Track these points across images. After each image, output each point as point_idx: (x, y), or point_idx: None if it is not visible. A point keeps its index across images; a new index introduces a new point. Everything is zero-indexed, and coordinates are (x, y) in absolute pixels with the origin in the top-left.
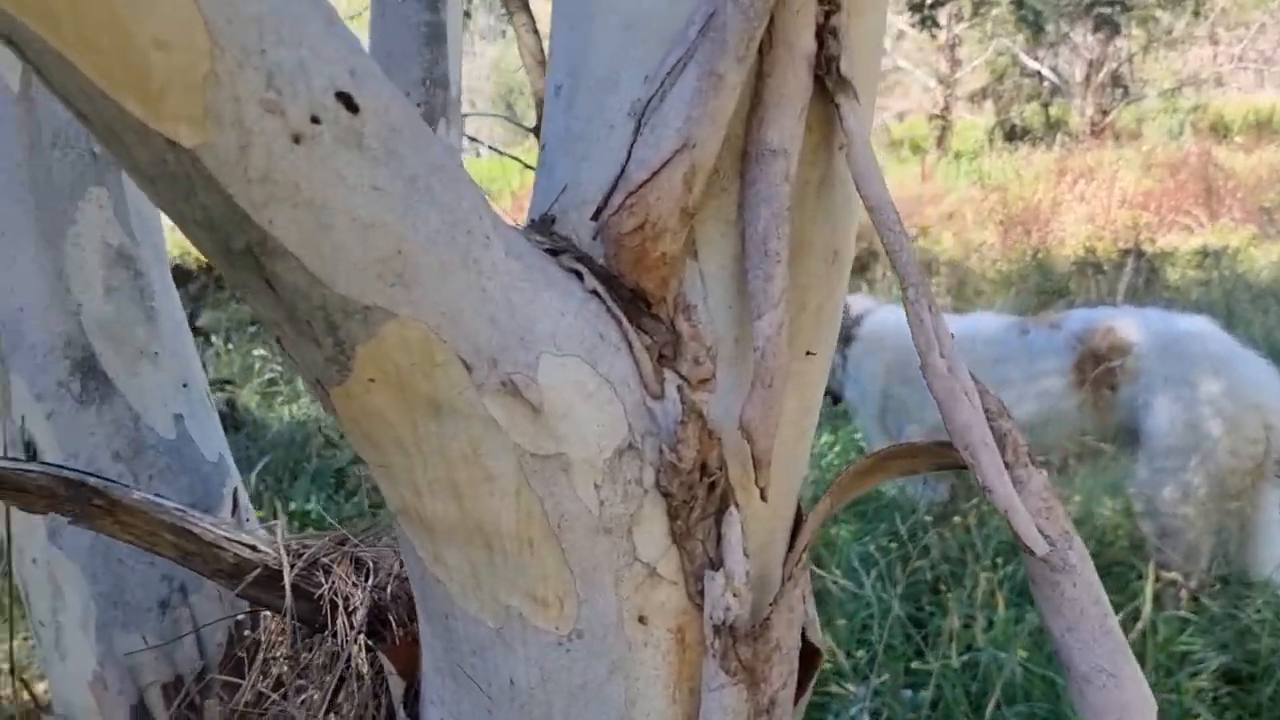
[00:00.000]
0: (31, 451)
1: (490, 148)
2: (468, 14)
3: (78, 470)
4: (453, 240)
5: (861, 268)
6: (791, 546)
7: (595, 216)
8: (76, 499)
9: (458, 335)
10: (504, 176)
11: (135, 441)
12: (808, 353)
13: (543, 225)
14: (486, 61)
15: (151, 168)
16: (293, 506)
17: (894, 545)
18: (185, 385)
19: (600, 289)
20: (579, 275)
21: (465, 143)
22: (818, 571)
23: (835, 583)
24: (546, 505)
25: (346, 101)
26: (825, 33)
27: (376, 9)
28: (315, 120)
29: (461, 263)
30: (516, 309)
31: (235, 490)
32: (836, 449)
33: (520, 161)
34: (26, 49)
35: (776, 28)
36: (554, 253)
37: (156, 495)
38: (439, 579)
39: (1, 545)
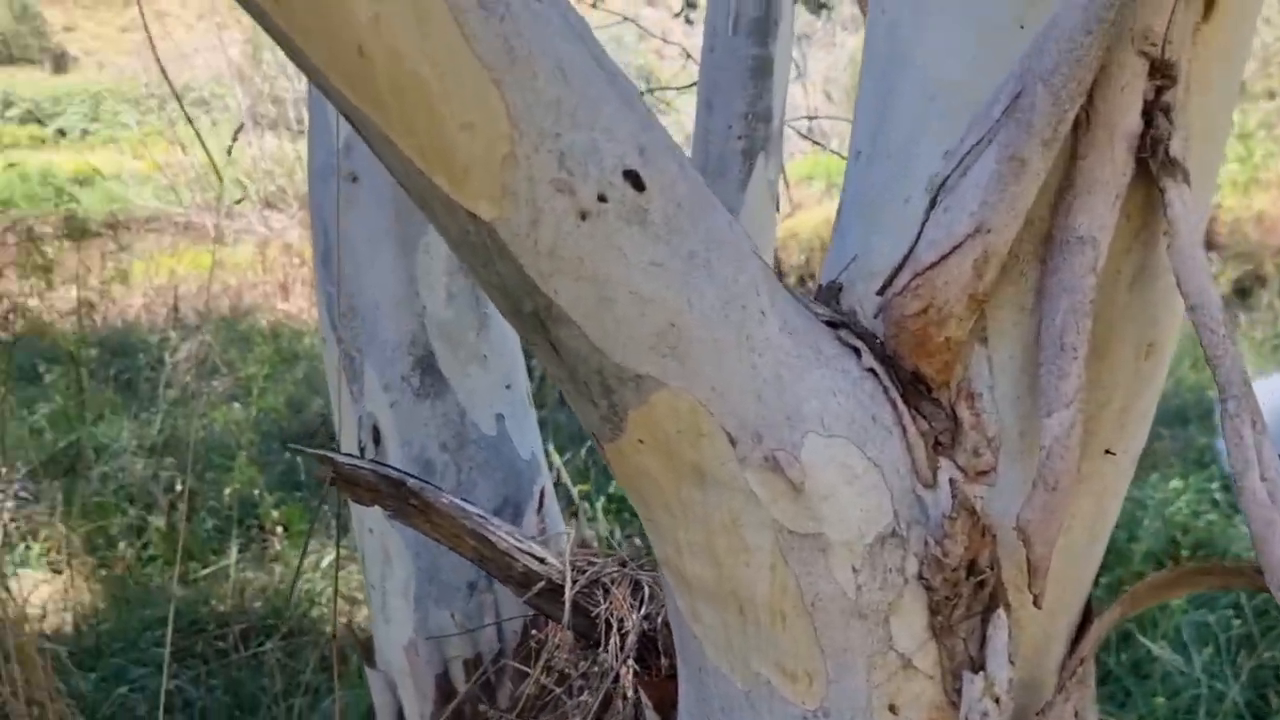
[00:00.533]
0: (376, 435)
1: (833, 152)
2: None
3: (399, 470)
4: (726, 316)
5: None
6: (1071, 653)
7: (881, 292)
8: (397, 497)
9: (724, 409)
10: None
11: (460, 435)
12: (1107, 451)
13: (829, 293)
14: (845, 53)
15: (456, 235)
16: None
17: (1237, 621)
18: (508, 387)
19: (878, 368)
20: (857, 352)
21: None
22: (1140, 639)
23: (1159, 654)
24: (802, 582)
25: (634, 180)
26: (1155, 110)
27: (707, 42)
28: (602, 199)
29: (734, 338)
30: (785, 386)
31: (543, 489)
32: (1185, 498)
33: None
34: (360, 127)
35: (1095, 105)
36: (833, 324)
37: (469, 496)
38: (695, 634)
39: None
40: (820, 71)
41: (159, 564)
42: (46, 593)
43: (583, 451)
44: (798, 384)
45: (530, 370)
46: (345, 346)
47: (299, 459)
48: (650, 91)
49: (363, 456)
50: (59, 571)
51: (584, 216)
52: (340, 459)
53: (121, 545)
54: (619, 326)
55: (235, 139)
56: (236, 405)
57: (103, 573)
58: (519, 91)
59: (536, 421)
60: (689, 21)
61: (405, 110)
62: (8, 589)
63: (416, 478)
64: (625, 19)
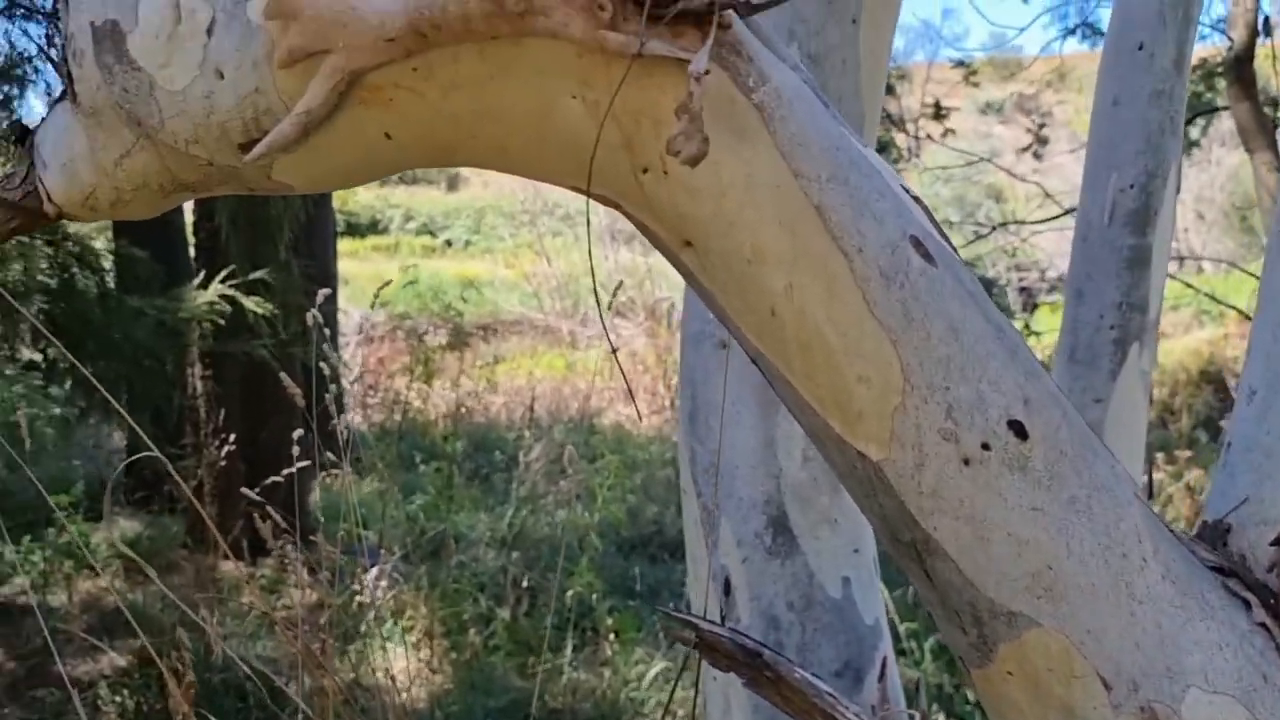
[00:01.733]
0: (727, 587)
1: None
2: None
3: (756, 641)
4: (1105, 562)
5: None
6: None
7: (1276, 542)
8: (752, 666)
9: (1099, 653)
10: (1236, 291)
11: (807, 596)
12: None
13: (1216, 532)
14: (1223, 170)
15: (843, 467)
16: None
17: None
18: (856, 551)
19: (1270, 624)
20: (1246, 604)
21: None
22: None
23: None
24: None
25: (1017, 430)
26: None
27: (1080, 231)
28: (986, 447)
29: (1111, 585)
30: (1165, 637)
31: (885, 657)
32: None
33: (1254, 276)
34: (760, 365)
35: None
36: (1220, 570)
37: (812, 656)
38: None
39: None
40: (1192, 189)
41: (502, 654)
42: (405, 668)
43: (911, 588)
44: (1180, 635)
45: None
46: (704, 500)
47: (636, 568)
48: (1004, 225)
49: (722, 622)
50: (418, 649)
51: (967, 462)
52: (703, 625)
53: (471, 632)
54: (994, 565)
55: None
56: (580, 507)
57: (454, 655)
58: (913, 350)
59: (880, 588)
60: (1037, 156)
61: (808, 362)
62: (378, 661)
63: (772, 650)
64: (982, 158)
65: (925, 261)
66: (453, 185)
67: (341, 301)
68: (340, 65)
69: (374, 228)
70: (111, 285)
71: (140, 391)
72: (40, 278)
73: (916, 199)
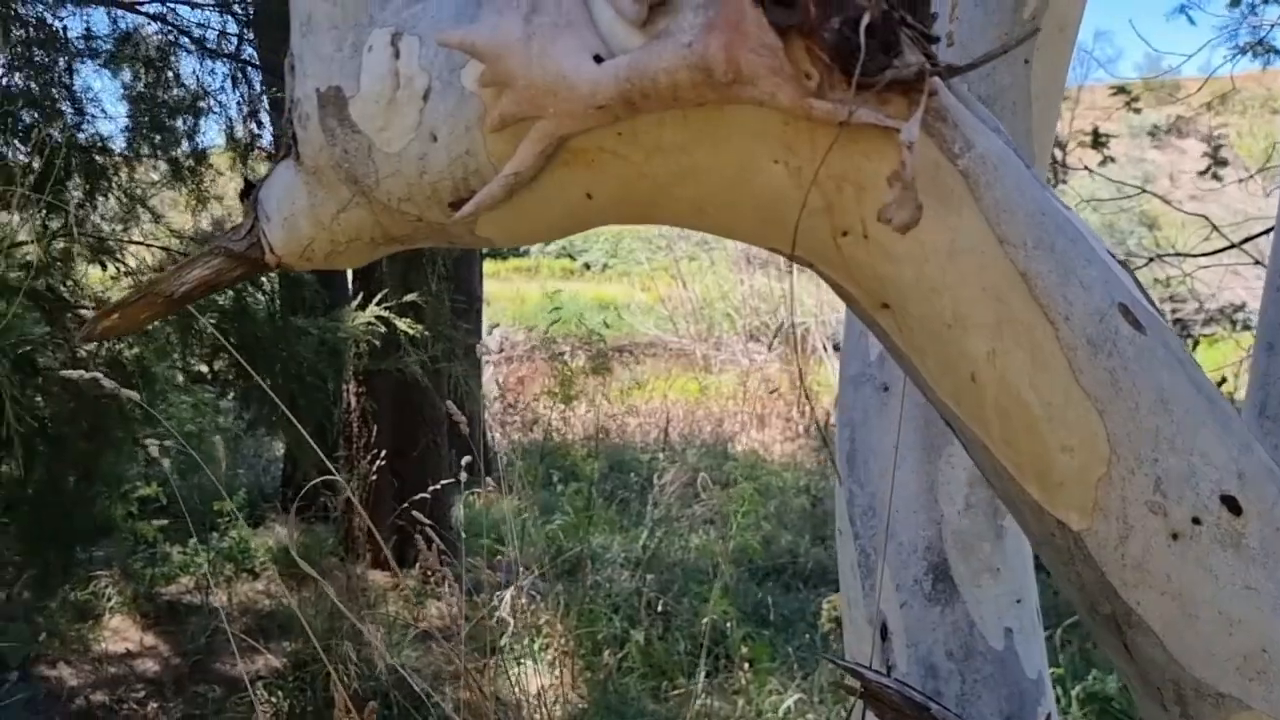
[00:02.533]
0: (884, 632)
1: None
2: None
3: (923, 694)
4: None
5: None
6: None
7: None
8: None
9: None
10: None
11: (967, 646)
12: None
13: None
14: None
15: (1040, 536)
16: None
17: None
18: (1019, 601)
19: None
20: None
21: None
22: None
23: None
24: None
25: (1230, 505)
26: None
27: (1270, 280)
28: (1196, 521)
29: None
30: None
31: (1049, 715)
32: None
33: None
34: (954, 427)
35: None
36: None
37: (972, 709)
38: None
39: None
40: None
41: (636, 676)
42: (541, 685)
43: (1059, 631)
44: None
45: (1041, 585)
46: (862, 543)
47: (770, 596)
48: (1159, 258)
49: (888, 673)
50: (554, 667)
51: (1175, 536)
52: (869, 675)
53: (606, 653)
54: (1202, 643)
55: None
56: (713, 532)
57: (589, 675)
58: (1120, 420)
59: (1045, 640)
60: (1217, 178)
61: (1008, 429)
62: (515, 677)
63: (940, 704)
64: (1142, 190)
65: (1134, 329)
66: None
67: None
68: (550, 130)
69: (515, 250)
70: (278, 306)
71: (304, 406)
72: (214, 297)
73: (1123, 263)
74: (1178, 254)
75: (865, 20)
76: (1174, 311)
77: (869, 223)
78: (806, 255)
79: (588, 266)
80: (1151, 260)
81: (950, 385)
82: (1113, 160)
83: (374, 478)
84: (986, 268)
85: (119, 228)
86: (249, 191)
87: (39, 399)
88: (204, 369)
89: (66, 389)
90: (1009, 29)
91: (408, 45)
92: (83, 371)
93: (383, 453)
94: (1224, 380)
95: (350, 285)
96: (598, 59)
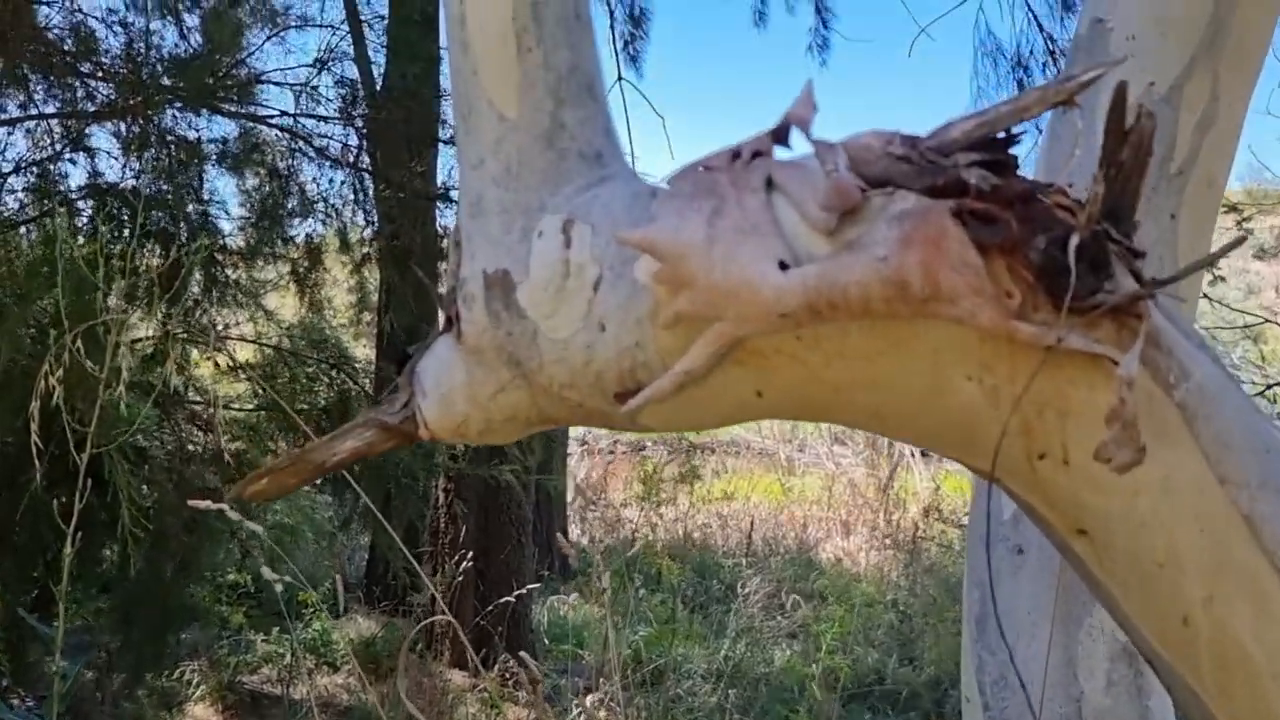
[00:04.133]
0: None
1: None
2: None
3: None
4: None
5: None
6: None
7: None
8: None
9: None
10: None
11: None
12: None
13: None
14: None
15: None
16: None
17: None
18: None
19: None
20: None
21: None
22: None
23: None
24: None
25: None
26: None
27: None
28: None
29: None
30: None
31: None
32: None
33: None
34: (1161, 674)
35: None
36: None
37: None
38: None
39: None
40: None
41: None
42: None
43: None
44: None
45: None
46: (992, 714)
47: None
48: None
49: None
50: None
51: None
52: None
53: None
54: None
55: None
56: (797, 647)
57: None
58: None
59: None
60: None
61: (1225, 678)
62: None
63: None
64: (1268, 320)
65: None
66: None
67: None
68: (728, 333)
69: None
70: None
71: (396, 506)
72: (320, 397)
73: None
74: None
75: (1074, 241)
76: None
77: (1071, 449)
78: (995, 471)
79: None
80: (1270, 388)
81: (1157, 625)
82: (1223, 279)
83: (459, 578)
84: (1204, 507)
85: (232, 323)
86: (405, 363)
87: (144, 488)
88: None
89: (172, 479)
90: (1155, 183)
91: (579, 233)
92: (220, 505)
93: (469, 554)
94: None
95: None
96: (783, 265)
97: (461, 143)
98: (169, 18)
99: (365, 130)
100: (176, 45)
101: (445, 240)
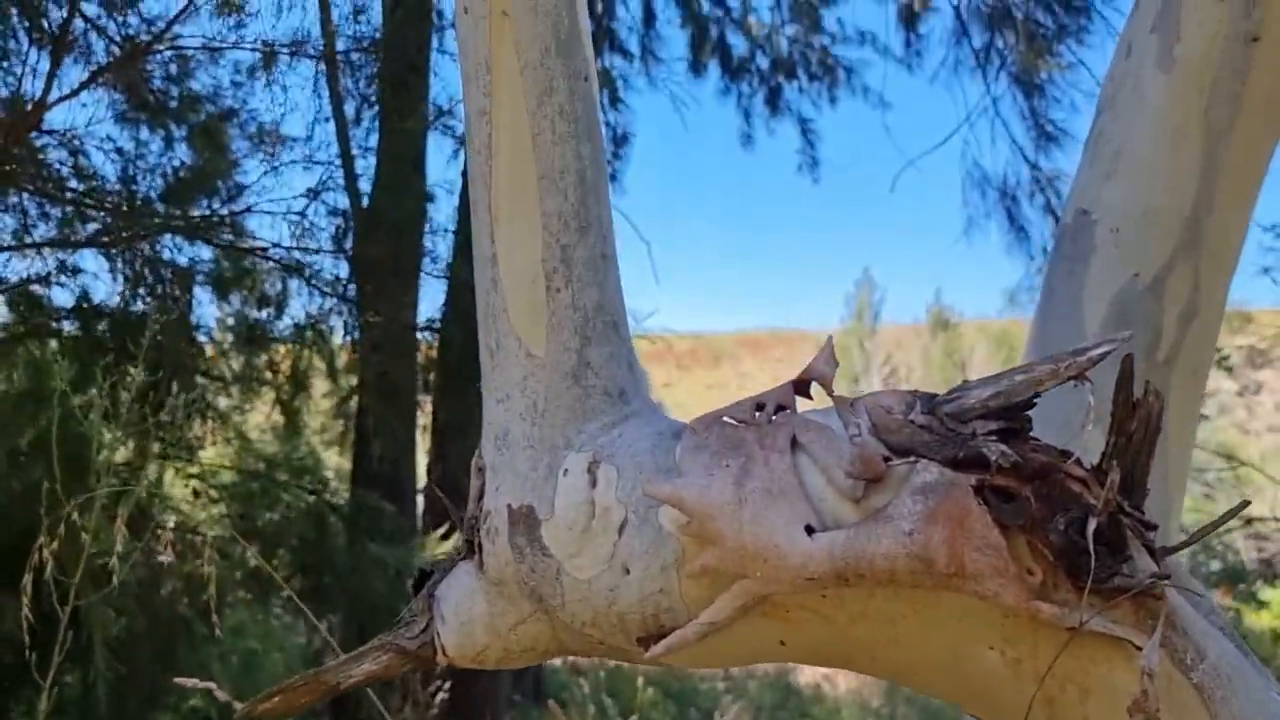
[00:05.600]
0: None
1: None
2: None
3: None
4: None
5: None
6: None
7: None
8: None
9: None
10: None
11: None
12: None
13: None
14: None
15: None
16: None
17: None
18: None
19: None
20: None
21: None
22: None
23: None
24: None
25: None
26: None
27: None
28: None
29: None
30: None
31: None
32: None
33: None
34: None
35: None
36: None
37: None
38: None
39: None
40: None
41: None
42: None
43: None
44: None
45: None
46: None
47: None
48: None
49: None
50: None
51: None
52: None
53: None
54: None
55: None
56: None
57: None
58: None
59: None
60: None
61: None
62: None
63: None
64: (1242, 463)
65: None
66: None
67: None
68: (754, 590)
69: None
70: (354, 534)
71: (371, 636)
72: (294, 524)
73: None
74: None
75: (1093, 525)
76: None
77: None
78: None
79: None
80: (1246, 521)
81: None
82: (1206, 417)
83: (433, 711)
84: None
85: (209, 447)
86: (421, 583)
87: (113, 613)
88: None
89: (142, 607)
90: (1142, 371)
91: (605, 475)
92: (206, 684)
93: (443, 683)
94: None
95: (420, 514)
96: (809, 529)
97: (488, 376)
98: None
99: (354, 261)
100: (171, 171)
101: (428, 372)
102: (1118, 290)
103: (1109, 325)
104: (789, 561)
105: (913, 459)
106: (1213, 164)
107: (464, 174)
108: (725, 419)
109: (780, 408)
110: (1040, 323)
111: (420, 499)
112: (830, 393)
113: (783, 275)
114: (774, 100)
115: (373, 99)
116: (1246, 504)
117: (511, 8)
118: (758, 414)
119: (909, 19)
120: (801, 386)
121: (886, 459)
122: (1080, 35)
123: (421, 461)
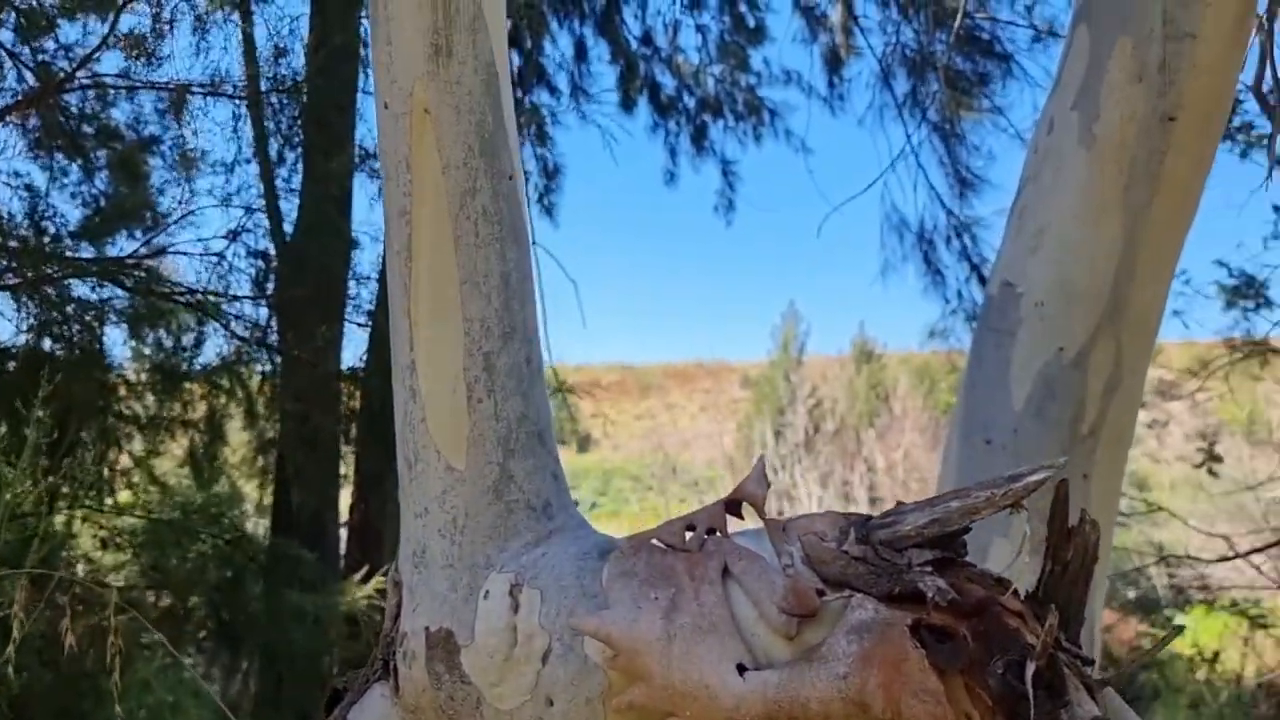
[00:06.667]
0: None
1: None
2: None
3: None
4: None
5: None
6: None
7: None
8: None
9: None
10: None
11: None
12: None
13: None
14: None
15: None
16: None
17: None
18: None
19: None
20: None
21: None
22: None
23: None
24: None
25: None
26: None
27: None
28: None
29: None
30: None
31: None
32: None
33: None
34: None
35: None
36: None
37: None
38: None
39: None
40: None
41: None
42: None
43: None
44: None
45: None
46: None
47: None
48: (1167, 559)
49: None
50: None
51: None
52: None
53: None
54: None
55: None
56: None
57: None
58: None
59: None
60: (1212, 473)
61: None
62: None
63: None
64: (1160, 507)
65: None
66: (583, 446)
67: None
68: None
69: None
70: (271, 581)
71: (288, 688)
72: (208, 574)
73: None
74: (1182, 557)
75: (1031, 668)
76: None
77: None
78: None
79: (576, 504)
80: (1163, 558)
81: None
82: None
83: None
84: None
85: (120, 492)
86: (333, 704)
87: (10, 670)
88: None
89: (44, 663)
90: (1068, 443)
91: (528, 599)
92: None
93: None
94: None
95: (342, 557)
96: (740, 668)
97: (405, 489)
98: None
99: (275, 305)
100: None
101: (351, 421)
102: (1043, 364)
103: (1036, 399)
104: (720, 703)
105: (848, 593)
106: (1133, 241)
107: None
108: (655, 541)
109: (711, 530)
110: (969, 391)
111: (344, 545)
112: (762, 515)
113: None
114: (699, 139)
115: (295, 140)
116: (1181, 630)
117: (433, 106)
118: (689, 535)
119: (833, 62)
120: (733, 506)
121: (820, 592)
122: (1001, 83)
123: (345, 507)
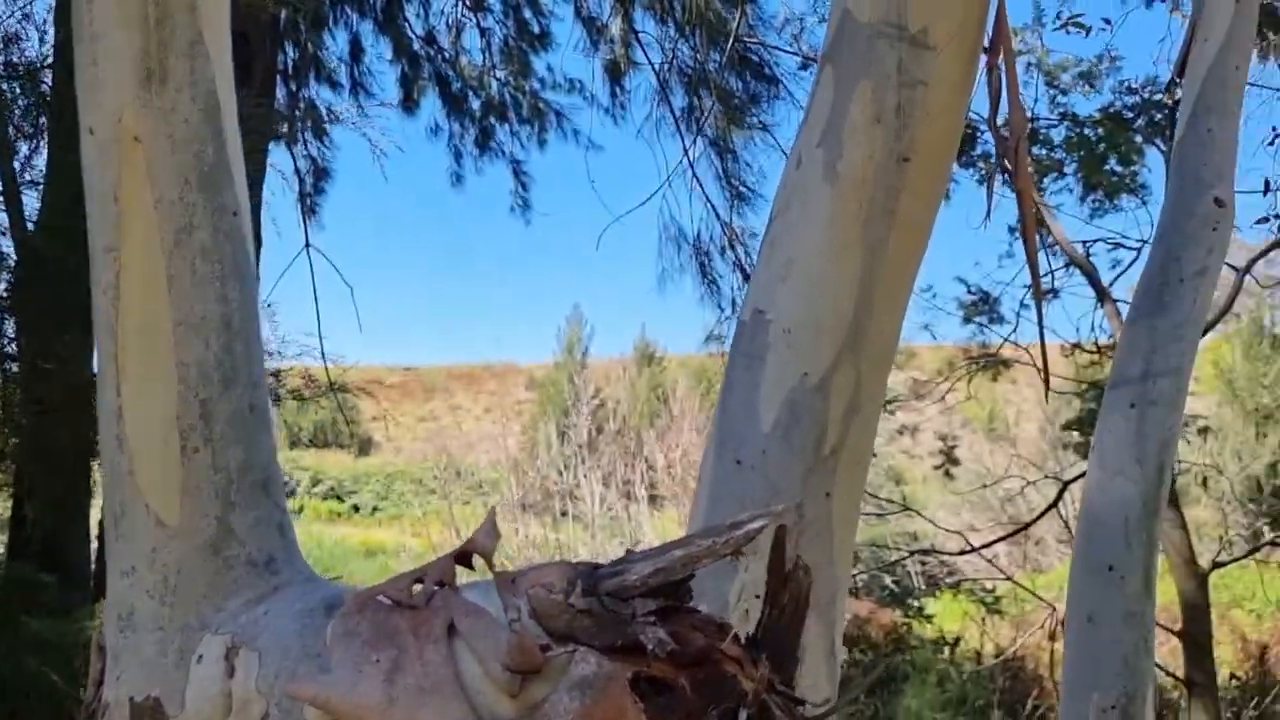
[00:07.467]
0: None
1: None
2: None
3: None
4: None
5: None
6: None
7: None
8: None
9: None
10: None
11: None
12: None
13: None
14: None
15: None
16: None
17: None
18: None
19: None
20: None
21: None
22: None
23: None
24: None
25: None
26: None
27: None
28: None
29: None
30: None
31: None
32: None
33: None
34: None
35: None
36: None
37: None
38: None
39: None
40: None
41: None
42: None
43: None
44: None
45: None
46: None
47: None
48: (921, 553)
49: None
50: None
51: None
52: None
53: None
54: None
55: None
56: None
57: None
58: None
59: None
60: (949, 475)
61: None
62: None
63: None
64: (906, 508)
65: None
66: (364, 449)
67: None
68: None
69: None
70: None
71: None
72: None
73: None
74: (932, 552)
75: (744, 717)
76: (924, 566)
77: None
78: None
79: (356, 509)
80: (911, 554)
81: None
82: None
83: None
84: None
85: None
86: None
87: None
88: None
89: None
90: (811, 464)
91: (245, 662)
92: None
93: None
94: None
95: (92, 582)
96: None
97: (112, 548)
98: None
99: (13, 311)
100: None
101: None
102: (790, 390)
103: (782, 423)
104: None
105: (572, 647)
106: (871, 276)
107: None
108: (381, 598)
109: (440, 584)
110: (722, 414)
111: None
112: (492, 568)
113: (495, 310)
114: (485, 141)
115: (31, 131)
116: (889, 664)
117: (145, 135)
118: (417, 588)
119: (614, 73)
120: (463, 558)
121: (545, 647)
122: (770, 104)
123: (94, 527)
